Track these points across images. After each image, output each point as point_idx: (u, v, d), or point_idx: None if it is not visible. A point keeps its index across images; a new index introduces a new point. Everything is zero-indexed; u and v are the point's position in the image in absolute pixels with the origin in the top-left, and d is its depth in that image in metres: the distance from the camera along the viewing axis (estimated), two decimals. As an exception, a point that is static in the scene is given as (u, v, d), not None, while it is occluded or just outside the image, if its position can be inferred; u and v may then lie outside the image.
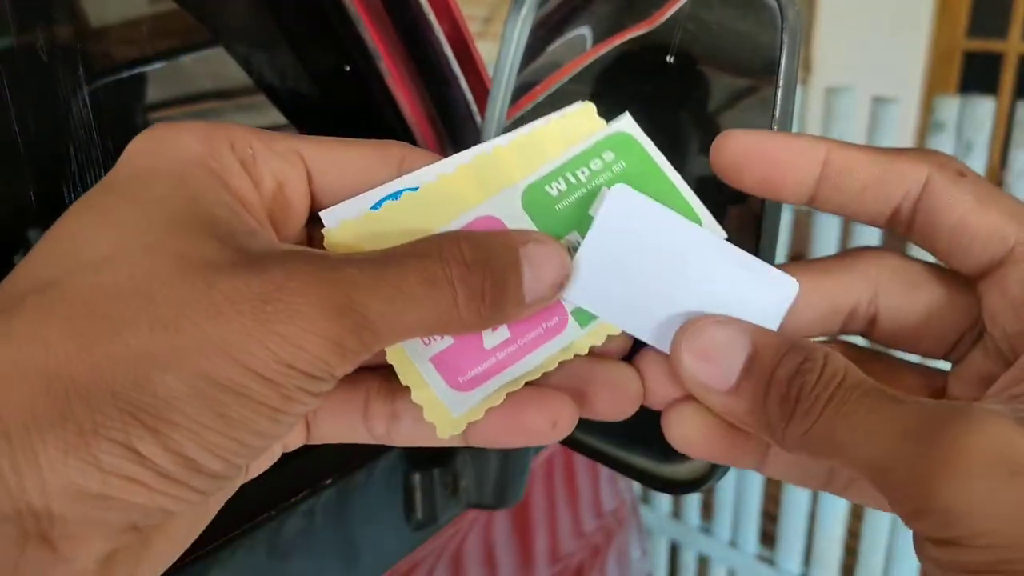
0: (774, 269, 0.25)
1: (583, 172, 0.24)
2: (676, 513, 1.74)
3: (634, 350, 0.27)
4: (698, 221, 0.25)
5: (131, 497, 0.18)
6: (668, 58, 0.34)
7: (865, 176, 0.23)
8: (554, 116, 0.25)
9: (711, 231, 0.26)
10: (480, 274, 0.21)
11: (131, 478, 0.18)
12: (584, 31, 0.39)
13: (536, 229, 0.24)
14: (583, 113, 0.25)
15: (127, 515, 0.19)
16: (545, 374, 0.24)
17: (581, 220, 0.24)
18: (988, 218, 0.22)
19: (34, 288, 0.19)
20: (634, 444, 0.34)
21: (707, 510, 1.71)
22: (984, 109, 1.38)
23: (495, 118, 0.39)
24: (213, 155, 0.22)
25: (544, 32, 0.39)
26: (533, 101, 0.39)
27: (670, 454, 0.34)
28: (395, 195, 0.23)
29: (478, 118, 0.53)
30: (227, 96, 0.42)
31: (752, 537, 1.65)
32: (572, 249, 0.24)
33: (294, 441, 0.25)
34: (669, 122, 0.37)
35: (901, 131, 1.55)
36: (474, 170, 0.24)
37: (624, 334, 0.25)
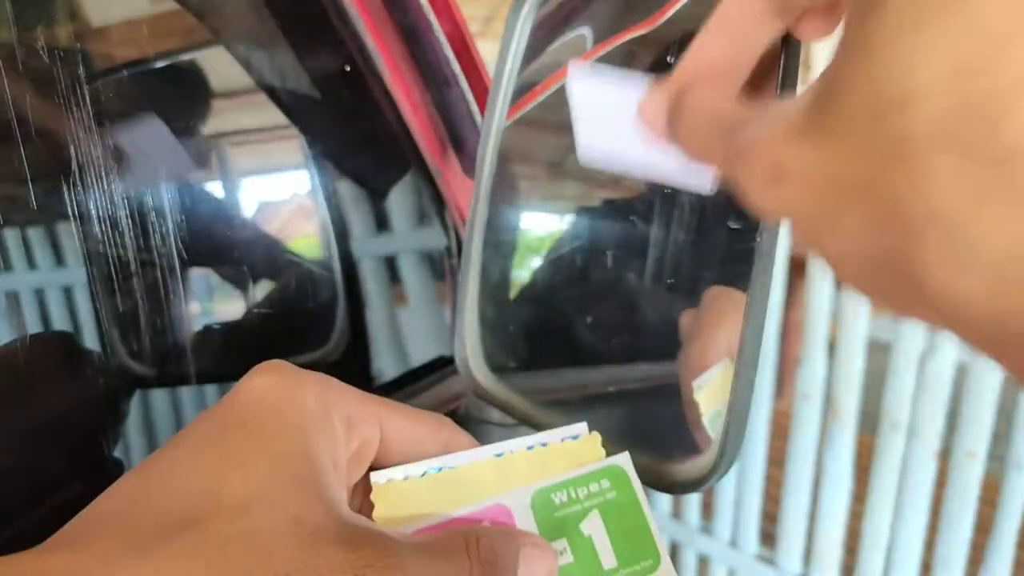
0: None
1: (583, 491, 0.30)
2: (676, 513, 1.75)
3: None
4: (657, 559, 0.29)
5: None
6: (668, 58, 0.34)
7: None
8: (568, 438, 0.31)
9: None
10: (492, 570, 0.25)
11: None
12: (584, 31, 0.39)
13: (537, 529, 0.29)
14: (591, 441, 0.30)
15: None
16: None
17: (573, 532, 0.29)
18: None
19: (180, 523, 0.21)
20: (634, 444, 0.34)
21: (707, 510, 1.71)
22: (984, 109, 1.37)
23: (495, 118, 0.39)
24: (328, 417, 0.25)
25: (544, 32, 0.39)
26: (533, 101, 0.39)
27: (670, 454, 0.34)
28: (437, 469, 0.29)
29: (478, 118, 0.53)
30: (227, 96, 0.42)
31: (752, 537, 1.65)
32: (561, 553, 0.29)
33: None
34: (669, 122, 0.37)
35: (901, 131, 1.55)
36: (499, 464, 0.30)
37: None
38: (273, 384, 0.25)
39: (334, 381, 0.26)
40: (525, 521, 0.29)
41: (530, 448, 0.31)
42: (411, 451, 0.28)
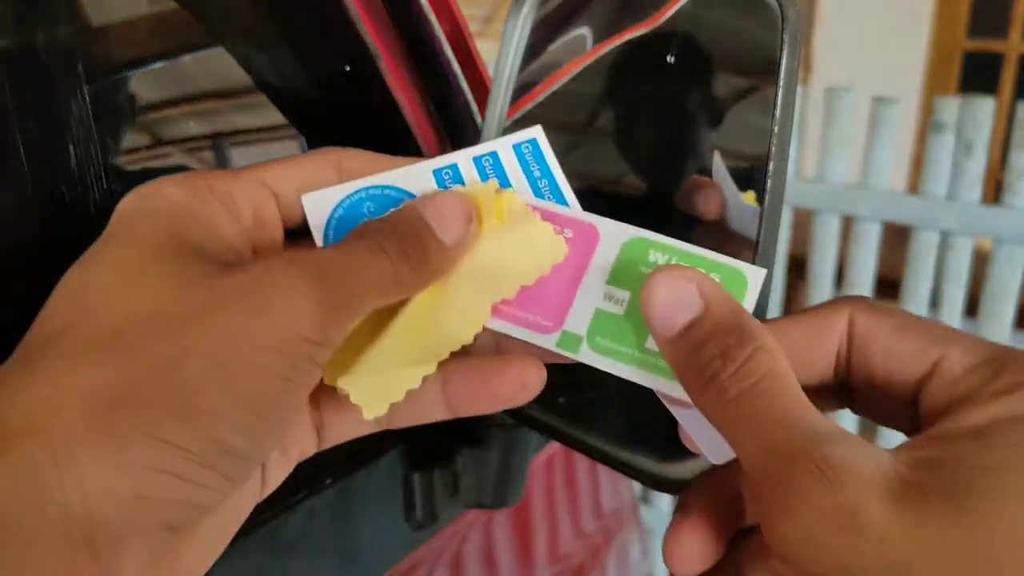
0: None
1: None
2: (676, 513, 1.74)
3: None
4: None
5: (165, 494, 0.20)
6: (668, 58, 0.34)
7: (800, 333, 0.26)
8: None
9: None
10: (398, 238, 0.25)
11: (164, 470, 0.20)
12: (584, 31, 0.39)
13: (610, 266, 0.27)
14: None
15: (162, 514, 0.21)
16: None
17: (639, 291, 0.26)
18: (910, 341, 0.25)
19: (56, 332, 0.22)
20: (634, 444, 0.34)
21: (707, 510, 1.71)
22: (984, 109, 1.38)
23: (495, 118, 0.39)
24: (196, 199, 0.25)
25: (544, 32, 0.39)
26: (533, 101, 0.39)
27: (670, 454, 0.34)
28: (365, 190, 0.28)
29: (478, 118, 0.53)
30: (227, 96, 0.42)
31: (752, 537, 1.65)
32: (615, 302, 0.27)
33: (308, 448, 0.28)
34: (669, 122, 0.37)
35: (901, 131, 1.55)
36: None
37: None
38: (133, 197, 0.25)
39: (202, 171, 0.26)
40: (605, 254, 0.27)
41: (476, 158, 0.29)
42: (310, 189, 0.28)
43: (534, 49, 0.39)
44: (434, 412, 0.28)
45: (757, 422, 0.22)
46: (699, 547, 0.26)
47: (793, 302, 1.79)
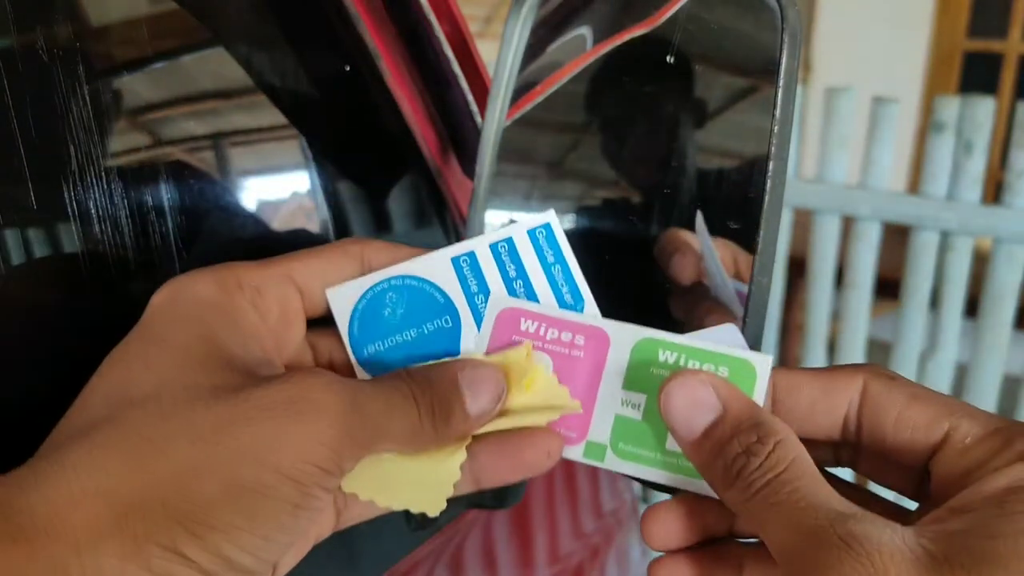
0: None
1: (694, 364, 0.28)
2: (676, 513, 1.74)
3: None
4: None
5: None
6: (668, 58, 0.34)
7: (811, 392, 0.28)
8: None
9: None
10: (431, 395, 0.26)
11: None
12: (584, 31, 0.39)
13: (624, 370, 0.28)
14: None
15: None
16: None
17: (655, 393, 0.27)
18: (922, 410, 0.26)
19: (90, 425, 0.23)
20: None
21: (707, 510, 1.71)
22: (984, 109, 1.38)
23: (495, 118, 0.39)
24: (225, 297, 0.26)
25: (544, 32, 0.39)
26: (533, 101, 0.39)
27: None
28: (387, 282, 0.29)
29: (478, 118, 0.53)
30: (227, 96, 0.42)
31: (752, 537, 1.65)
32: (632, 407, 0.28)
33: (325, 530, 0.29)
34: (669, 122, 0.37)
35: (901, 131, 1.55)
36: None
37: None
38: (166, 292, 0.27)
39: (233, 264, 0.27)
40: (617, 359, 0.28)
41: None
42: (334, 283, 0.29)
43: (534, 49, 0.39)
44: (463, 486, 0.29)
45: (784, 508, 0.23)
46: (674, 524, 0.28)
47: (793, 302, 1.79)
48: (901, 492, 0.29)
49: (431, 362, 0.28)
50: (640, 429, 0.28)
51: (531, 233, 0.31)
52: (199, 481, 0.22)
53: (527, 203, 0.42)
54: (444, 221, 0.54)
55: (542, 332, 0.29)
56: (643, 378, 0.28)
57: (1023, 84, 3.58)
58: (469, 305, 0.30)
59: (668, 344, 0.28)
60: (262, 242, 0.43)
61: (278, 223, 0.44)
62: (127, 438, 0.22)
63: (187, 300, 0.26)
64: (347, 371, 0.31)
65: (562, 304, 0.30)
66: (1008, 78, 3.59)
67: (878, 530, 0.22)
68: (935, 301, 1.46)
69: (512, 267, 0.30)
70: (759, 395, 0.27)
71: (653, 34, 0.35)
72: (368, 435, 0.24)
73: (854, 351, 1.52)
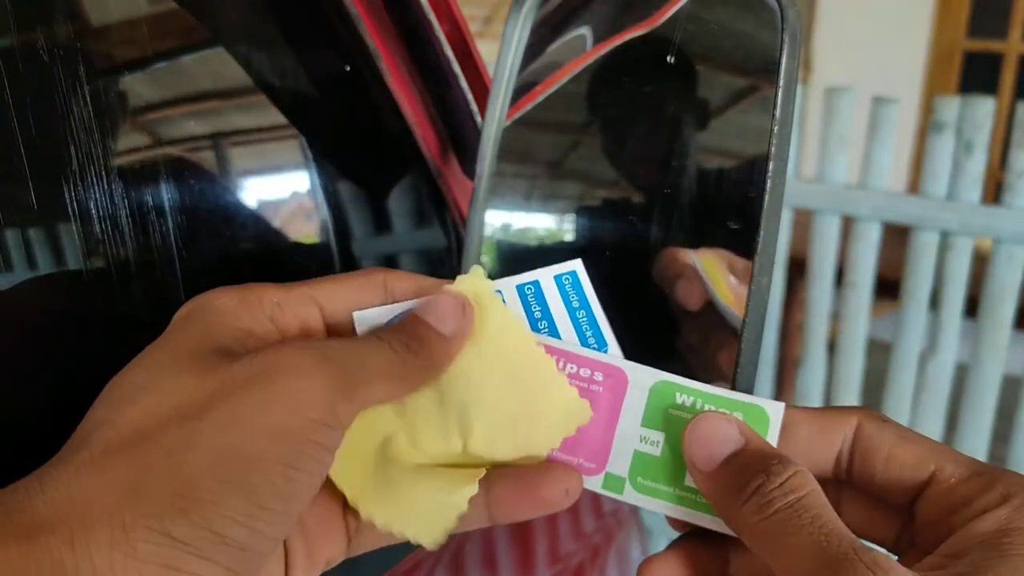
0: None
1: (710, 407, 0.29)
2: (676, 513, 1.74)
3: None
4: None
5: None
6: (668, 58, 0.34)
7: (808, 428, 0.29)
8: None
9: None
10: (400, 335, 0.27)
11: (165, 564, 0.21)
12: (584, 31, 0.39)
13: (642, 410, 0.29)
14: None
15: None
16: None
17: (673, 432, 0.29)
18: (911, 451, 0.28)
19: (90, 432, 0.23)
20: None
21: (707, 510, 1.71)
22: (984, 109, 1.38)
23: (495, 118, 0.39)
24: (243, 307, 0.27)
25: (544, 32, 0.39)
26: (533, 101, 0.39)
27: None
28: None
29: (478, 118, 0.53)
30: (227, 96, 0.42)
31: (752, 537, 1.65)
32: (651, 443, 0.29)
33: (336, 555, 0.29)
34: (669, 122, 0.37)
35: (901, 131, 1.55)
36: None
37: None
38: (187, 306, 0.27)
39: (256, 284, 0.28)
40: (636, 398, 0.29)
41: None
42: (356, 306, 0.29)
43: (534, 49, 0.39)
44: (476, 521, 0.29)
45: (807, 533, 0.24)
46: (671, 574, 0.29)
47: (793, 302, 1.79)
48: (882, 542, 0.30)
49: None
50: (658, 465, 0.29)
51: (558, 279, 0.31)
52: (187, 457, 0.22)
53: (527, 203, 0.42)
54: (444, 221, 0.54)
55: (562, 366, 0.30)
56: (661, 418, 0.29)
57: (1023, 84, 3.58)
58: None
59: (685, 388, 0.29)
60: (262, 242, 0.43)
61: (278, 223, 0.44)
62: (122, 434, 0.23)
63: (204, 309, 0.26)
64: None
65: (585, 347, 0.30)
66: (1008, 78, 3.59)
67: (897, 565, 0.23)
68: (935, 301, 1.46)
69: (537, 308, 0.31)
70: (772, 440, 0.28)
71: (653, 34, 0.35)
72: (349, 380, 0.25)
73: (854, 351, 1.52)
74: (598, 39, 0.38)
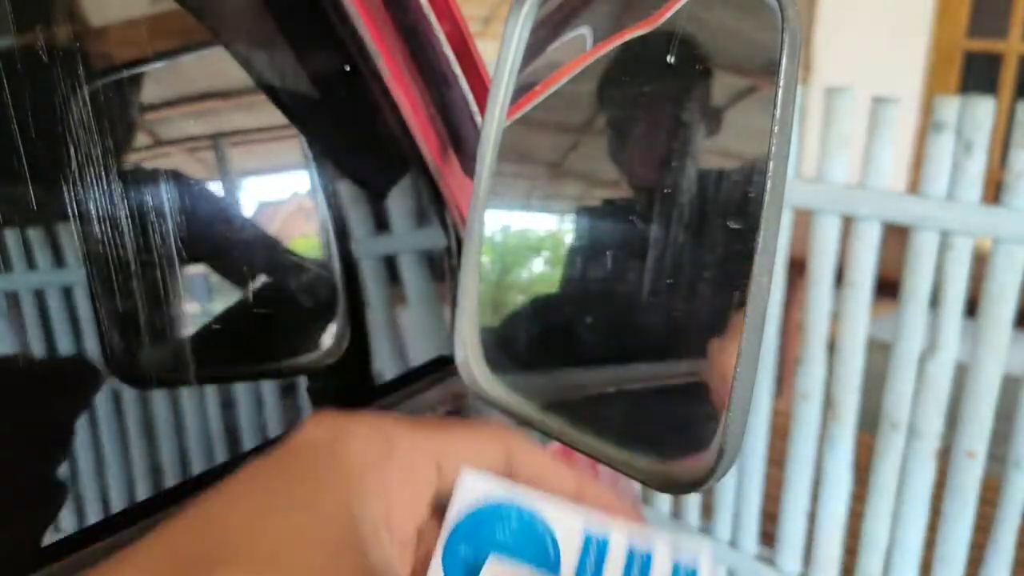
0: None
1: None
2: (676, 513, 1.74)
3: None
4: None
5: None
6: (668, 58, 0.34)
7: None
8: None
9: None
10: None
11: None
12: (584, 31, 0.39)
13: None
14: None
15: None
16: None
17: None
18: None
19: (214, 561, 0.21)
20: (634, 444, 0.34)
21: (707, 510, 1.71)
22: (984, 109, 1.38)
23: (495, 118, 0.39)
24: (380, 466, 0.25)
25: (544, 32, 0.39)
26: (533, 101, 0.39)
27: (670, 454, 0.34)
28: (519, 505, 0.27)
29: (478, 118, 0.53)
30: (227, 96, 0.42)
31: (752, 537, 1.65)
32: None
33: None
34: (669, 122, 0.37)
35: (901, 131, 1.55)
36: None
37: None
38: (322, 434, 0.25)
39: (387, 421, 0.26)
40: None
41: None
42: (473, 465, 0.28)
43: (534, 49, 0.39)
44: None
45: None
46: None
47: (793, 302, 1.79)
48: None
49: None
50: None
51: (676, 566, 0.28)
52: None
53: (527, 203, 0.42)
54: (444, 221, 0.54)
55: None
56: None
57: (1023, 84, 3.58)
58: None
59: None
60: (262, 242, 0.43)
61: (278, 223, 0.44)
62: None
63: (340, 454, 0.25)
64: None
65: None
66: (1008, 78, 3.59)
67: None
68: (935, 301, 1.46)
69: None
70: None
71: (653, 34, 0.35)
72: None
73: (854, 351, 1.52)
74: (598, 39, 0.38)
